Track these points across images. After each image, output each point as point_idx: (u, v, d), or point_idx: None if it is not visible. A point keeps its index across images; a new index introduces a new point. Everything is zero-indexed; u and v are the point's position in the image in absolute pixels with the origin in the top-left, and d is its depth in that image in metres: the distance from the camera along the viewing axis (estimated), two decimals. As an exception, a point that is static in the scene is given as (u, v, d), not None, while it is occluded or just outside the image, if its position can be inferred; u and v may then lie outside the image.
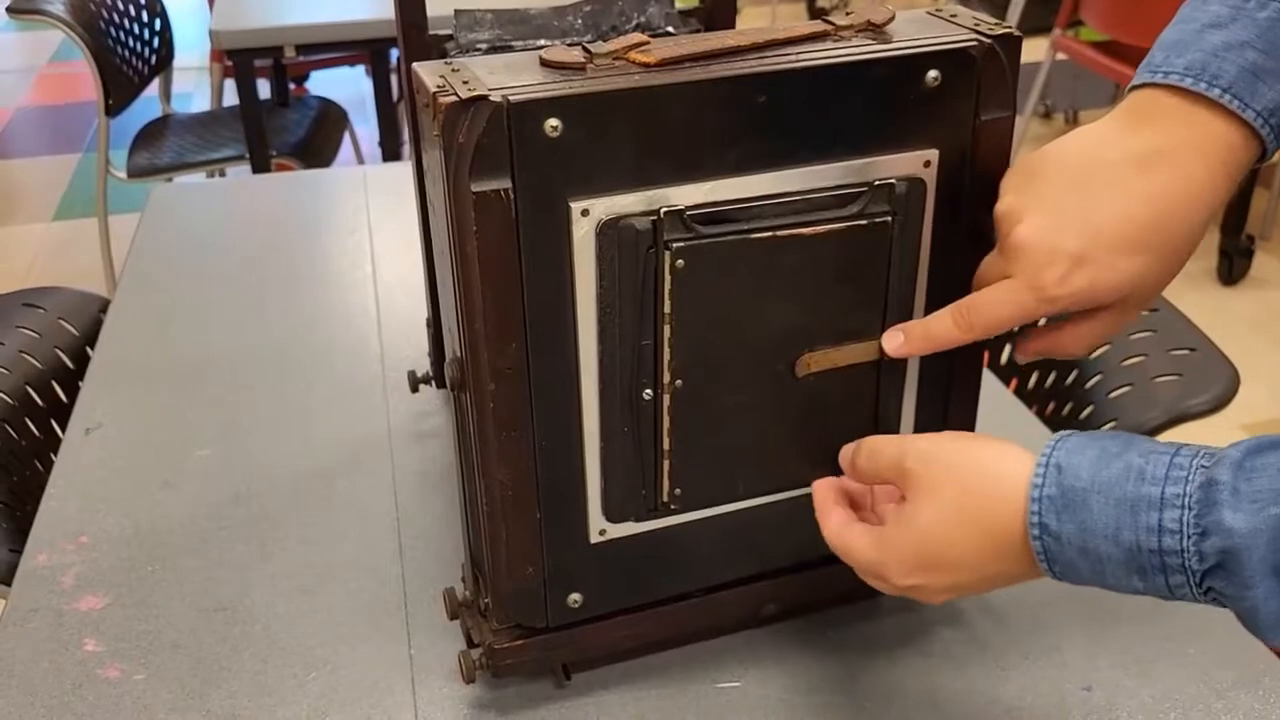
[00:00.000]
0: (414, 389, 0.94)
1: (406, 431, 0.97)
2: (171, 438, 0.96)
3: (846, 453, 0.64)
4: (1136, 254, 0.55)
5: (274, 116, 2.57)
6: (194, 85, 3.96)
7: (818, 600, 0.76)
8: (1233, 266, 2.78)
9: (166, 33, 2.65)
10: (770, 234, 0.58)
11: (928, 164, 0.61)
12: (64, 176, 3.51)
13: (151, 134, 2.58)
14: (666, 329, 0.59)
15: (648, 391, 0.61)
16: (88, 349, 1.15)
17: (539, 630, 0.68)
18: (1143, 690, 0.71)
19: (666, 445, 0.62)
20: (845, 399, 0.65)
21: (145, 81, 2.58)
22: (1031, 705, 0.70)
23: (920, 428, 0.68)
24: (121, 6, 2.50)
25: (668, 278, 0.58)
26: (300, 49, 2.21)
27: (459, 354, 0.60)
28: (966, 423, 0.71)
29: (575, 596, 0.67)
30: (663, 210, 0.56)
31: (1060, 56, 3.16)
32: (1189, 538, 0.47)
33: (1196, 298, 2.73)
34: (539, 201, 0.55)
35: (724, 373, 0.62)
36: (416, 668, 0.74)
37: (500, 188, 0.54)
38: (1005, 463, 0.54)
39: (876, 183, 0.59)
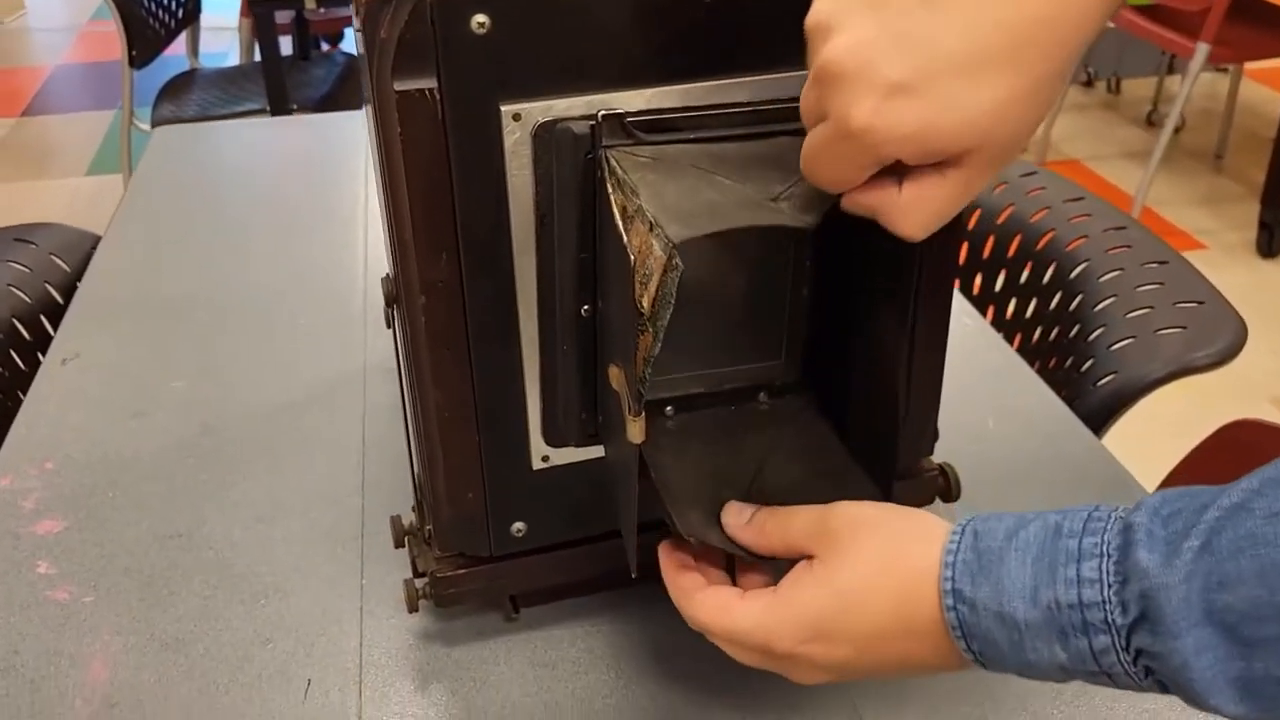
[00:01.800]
0: (389, 325, 0.92)
1: (383, 368, 0.95)
2: (148, 369, 0.96)
3: (740, 515, 0.56)
4: (992, 76, 0.41)
5: (298, 71, 2.57)
6: (229, 45, 3.97)
7: (780, 541, 0.74)
8: (1273, 238, 2.70)
9: (194, -14, 2.66)
10: (717, 144, 0.55)
11: (887, 76, 0.58)
12: (99, 131, 3.54)
13: (177, 87, 2.59)
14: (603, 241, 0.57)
15: (586, 308, 0.58)
16: (79, 285, 1.14)
17: (483, 559, 0.66)
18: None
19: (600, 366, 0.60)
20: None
21: (171, 35, 2.59)
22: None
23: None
24: (149, -42, 2.51)
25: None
26: (321, 1, 2.20)
27: (393, 269, 0.59)
28: (936, 359, 0.68)
29: (519, 525, 0.65)
30: (601, 114, 0.54)
31: (1103, 21, 3.07)
32: (1109, 586, 0.42)
33: (1235, 270, 2.66)
34: (468, 103, 0.53)
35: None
36: (366, 597, 0.72)
37: (425, 87, 0.52)
38: (929, 530, 0.49)
39: (829, 93, 0.56)
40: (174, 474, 0.83)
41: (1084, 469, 0.83)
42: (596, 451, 0.64)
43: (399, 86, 0.52)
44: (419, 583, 0.67)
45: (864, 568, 0.50)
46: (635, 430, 0.50)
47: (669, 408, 0.63)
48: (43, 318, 1.12)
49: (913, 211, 0.46)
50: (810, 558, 0.52)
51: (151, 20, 2.48)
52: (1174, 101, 2.81)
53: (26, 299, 1.12)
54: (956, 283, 1.07)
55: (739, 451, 0.61)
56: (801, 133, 0.49)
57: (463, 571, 0.66)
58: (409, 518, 0.70)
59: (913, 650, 0.49)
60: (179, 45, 2.66)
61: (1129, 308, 1.04)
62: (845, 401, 0.62)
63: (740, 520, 0.56)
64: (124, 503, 0.81)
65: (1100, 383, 1.00)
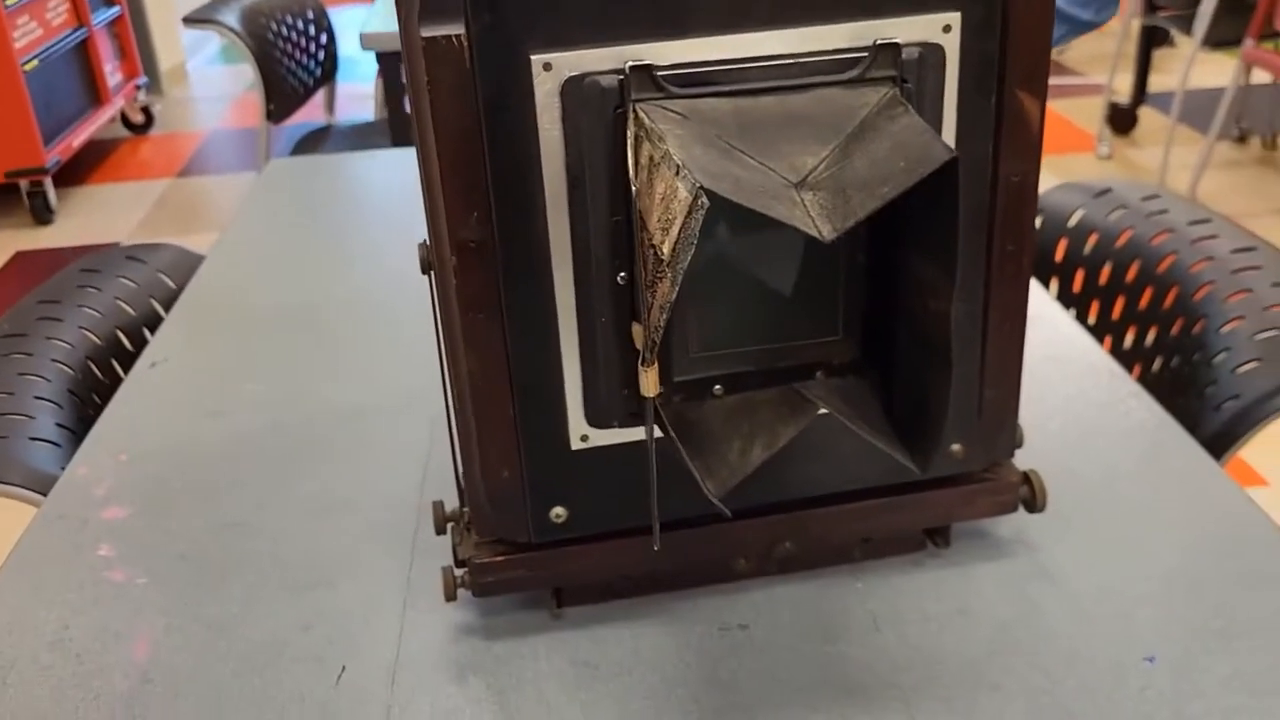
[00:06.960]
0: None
1: (457, 376, 0.94)
2: (230, 373, 0.97)
3: None
4: None
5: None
6: (370, 109, 4.14)
7: (844, 545, 0.69)
8: None
9: (331, 47, 2.78)
10: (752, 98, 0.53)
11: (948, 29, 0.54)
12: (245, 192, 3.71)
13: (311, 142, 2.69)
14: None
15: (623, 274, 0.56)
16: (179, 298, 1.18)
17: (523, 547, 0.63)
18: (1217, 666, 0.61)
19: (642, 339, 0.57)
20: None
21: (309, 93, 2.70)
22: (1080, 672, 0.61)
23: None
24: (290, 21, 2.63)
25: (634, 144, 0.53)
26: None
27: (428, 231, 0.57)
28: (1012, 345, 0.62)
29: (559, 510, 0.62)
30: (629, 65, 0.51)
31: (1257, 78, 2.94)
32: None
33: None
34: (496, 52, 0.51)
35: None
36: (412, 590, 0.70)
37: (452, 33, 0.51)
38: None
39: (879, 42, 0.53)
40: (239, 468, 0.83)
41: (1200, 491, 0.76)
42: (640, 431, 0.60)
43: (425, 32, 0.51)
44: (459, 571, 0.65)
45: None
46: (648, 382, 0.47)
47: (717, 386, 0.59)
48: (146, 330, 1.15)
49: None
50: None
51: (290, 78, 2.59)
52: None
53: (131, 312, 1.15)
54: (1054, 286, 1.00)
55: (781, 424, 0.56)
56: (843, 83, 0.45)
57: (501, 559, 0.63)
58: (456, 506, 0.68)
59: None
60: (320, 110, 2.78)
61: (1257, 328, 0.96)
62: (895, 375, 0.57)
63: None
64: (188, 493, 0.81)
65: (1222, 406, 0.92)
